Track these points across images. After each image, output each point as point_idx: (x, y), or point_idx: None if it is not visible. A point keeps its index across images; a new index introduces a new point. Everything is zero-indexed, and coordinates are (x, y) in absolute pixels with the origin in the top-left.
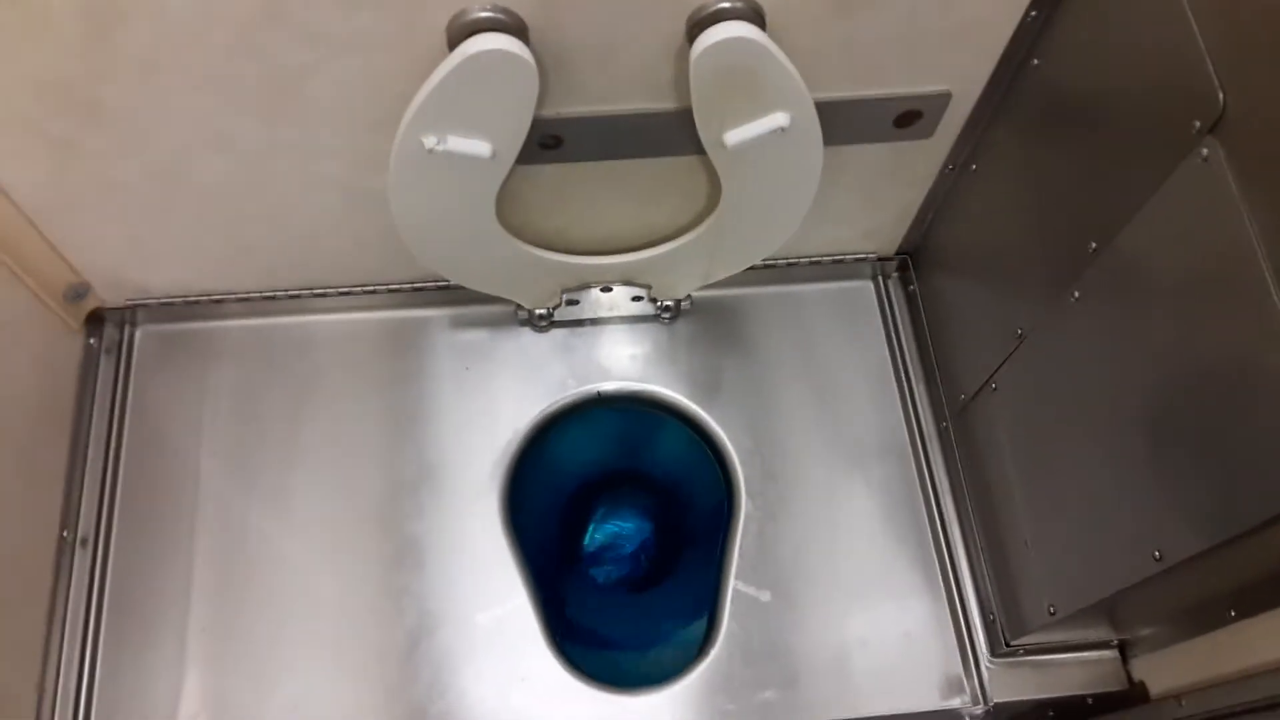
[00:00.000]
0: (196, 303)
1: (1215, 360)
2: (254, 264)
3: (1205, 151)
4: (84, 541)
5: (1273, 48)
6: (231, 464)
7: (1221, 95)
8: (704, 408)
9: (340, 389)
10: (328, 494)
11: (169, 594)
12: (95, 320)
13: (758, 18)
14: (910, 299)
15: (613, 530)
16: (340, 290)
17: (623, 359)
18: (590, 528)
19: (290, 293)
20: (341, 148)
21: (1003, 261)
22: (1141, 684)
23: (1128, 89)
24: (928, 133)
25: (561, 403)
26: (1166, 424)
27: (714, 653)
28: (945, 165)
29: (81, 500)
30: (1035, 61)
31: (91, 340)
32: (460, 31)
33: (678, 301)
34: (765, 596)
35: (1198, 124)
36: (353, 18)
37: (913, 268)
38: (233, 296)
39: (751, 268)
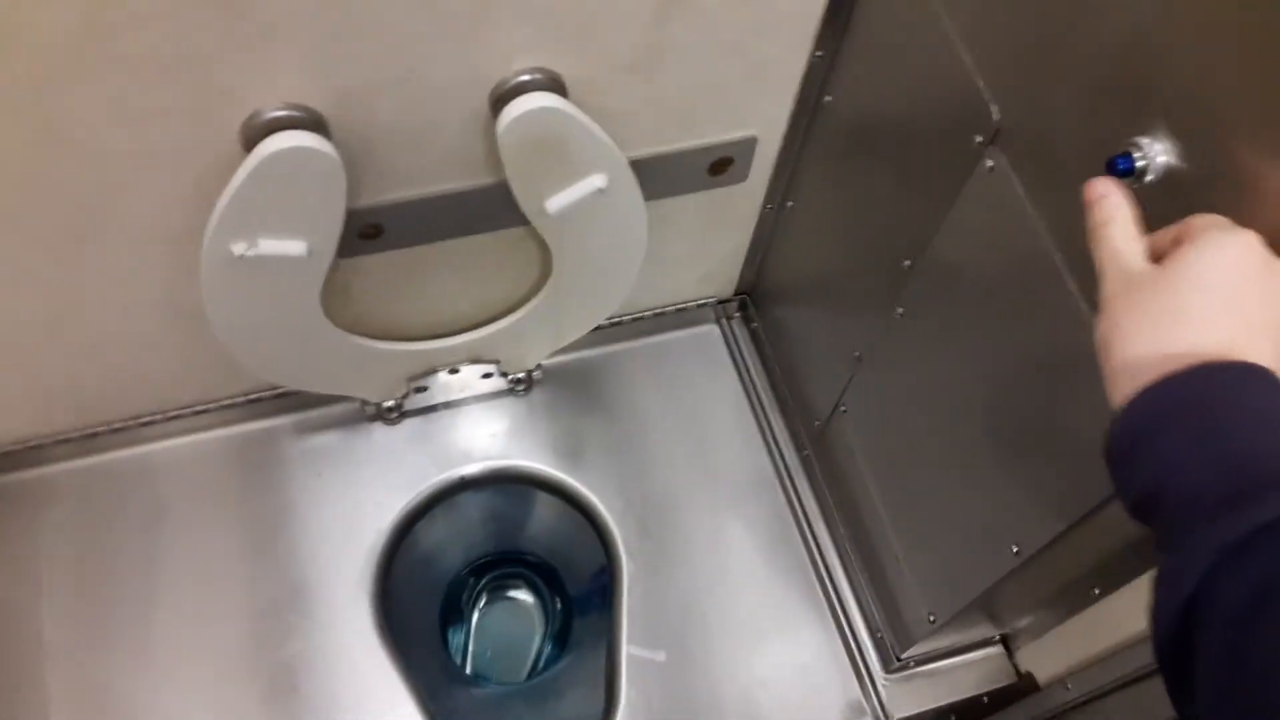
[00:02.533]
0: (12, 453)
1: (1032, 353)
2: (71, 402)
3: (990, 163)
4: None
5: (1029, 60)
6: (80, 616)
7: (995, 109)
8: (571, 475)
9: (188, 518)
10: (191, 631)
11: None
12: None
13: (558, 86)
14: (754, 336)
15: (499, 649)
16: (168, 415)
17: (482, 438)
18: (470, 640)
19: (115, 425)
20: (150, 267)
21: (832, 288)
22: (1029, 674)
23: (913, 113)
24: (742, 177)
25: (424, 493)
26: (1002, 421)
27: None
28: (764, 205)
29: None
30: (828, 98)
31: None
32: (256, 132)
33: (529, 372)
34: (660, 656)
35: (979, 138)
36: (140, 133)
37: (752, 305)
38: (51, 440)
39: (597, 327)
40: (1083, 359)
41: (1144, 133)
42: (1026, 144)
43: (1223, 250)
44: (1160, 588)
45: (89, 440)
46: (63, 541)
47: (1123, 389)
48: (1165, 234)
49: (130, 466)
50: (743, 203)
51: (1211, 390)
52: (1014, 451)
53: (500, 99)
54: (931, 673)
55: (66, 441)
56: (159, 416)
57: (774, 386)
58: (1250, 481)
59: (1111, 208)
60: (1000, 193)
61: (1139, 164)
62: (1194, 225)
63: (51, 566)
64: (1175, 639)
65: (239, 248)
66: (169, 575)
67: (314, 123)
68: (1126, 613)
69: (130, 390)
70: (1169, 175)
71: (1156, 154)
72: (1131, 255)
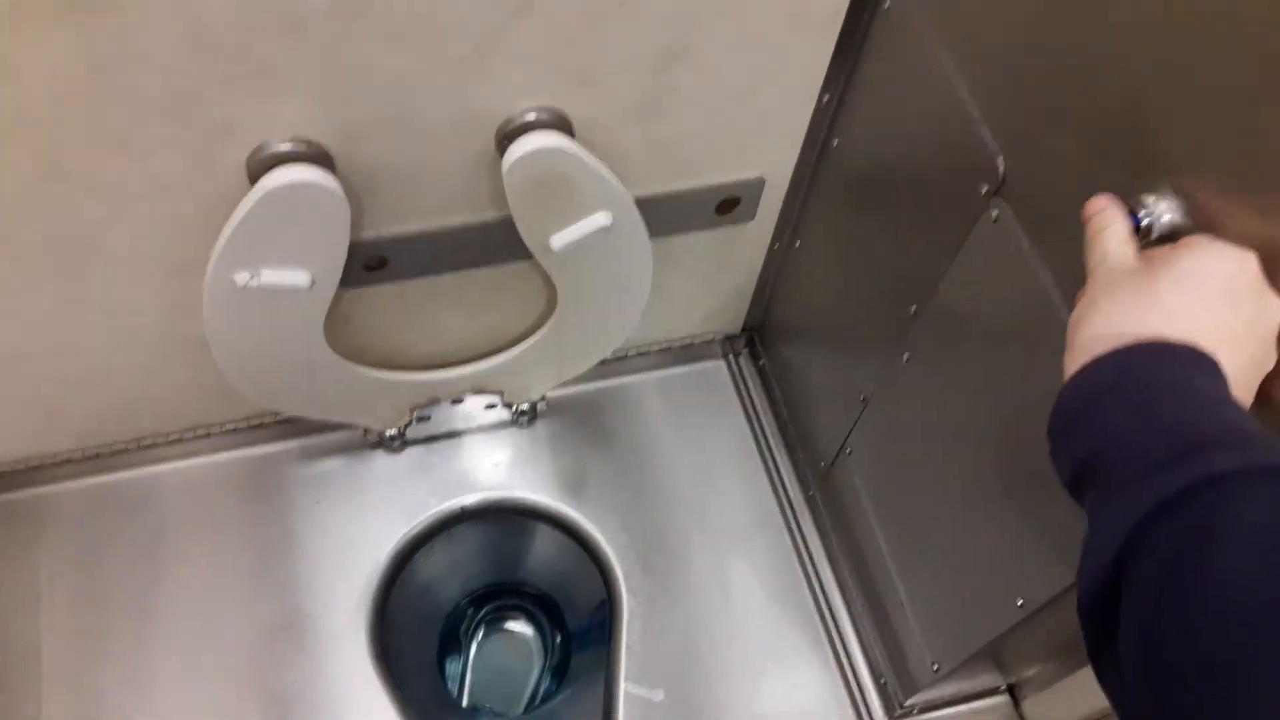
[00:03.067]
0: (13, 472)
1: (1037, 402)
2: (77, 425)
3: (995, 212)
4: None
5: (1035, 113)
6: (77, 636)
7: (1000, 159)
8: (573, 508)
9: (187, 541)
10: (187, 656)
11: None
12: None
13: (564, 125)
14: (761, 373)
15: (496, 682)
16: (170, 439)
17: (484, 469)
18: (468, 671)
19: (117, 447)
20: (150, 297)
21: (838, 329)
22: None
23: (919, 160)
24: (749, 216)
25: (424, 523)
26: (1008, 469)
27: None
28: (772, 245)
29: None
30: (835, 142)
31: None
32: (261, 166)
33: (533, 404)
34: (658, 696)
35: (985, 187)
36: (144, 164)
37: (759, 342)
38: (58, 460)
39: (604, 361)
40: None
41: (1149, 190)
42: (1032, 195)
43: (1214, 258)
44: (1091, 541)
45: (90, 461)
46: (62, 562)
47: (1076, 362)
48: (1164, 247)
49: (131, 489)
50: (750, 242)
51: (1155, 366)
52: (1020, 500)
53: (506, 137)
54: None
55: (67, 462)
56: (161, 440)
57: (780, 424)
58: (1185, 445)
59: (1109, 218)
60: (1005, 242)
61: (1144, 221)
62: (1195, 237)
63: (50, 586)
64: (1103, 591)
65: (242, 278)
66: (166, 598)
67: (319, 157)
68: None
69: (132, 413)
70: (1174, 233)
71: (1161, 212)
72: (1122, 256)
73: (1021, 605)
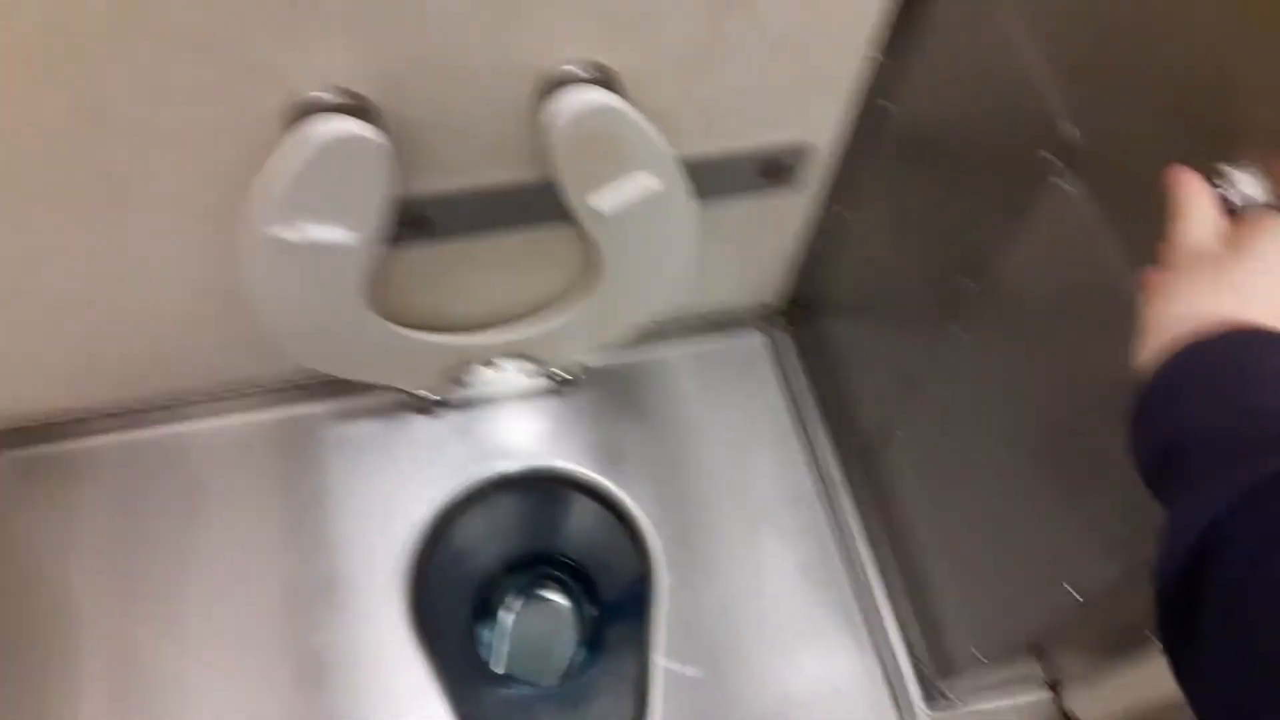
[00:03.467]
0: (54, 424)
1: (1098, 385)
2: (113, 376)
3: (1062, 184)
4: None
5: (1110, 80)
6: (114, 589)
7: (1070, 125)
8: (609, 478)
9: (224, 498)
10: (222, 612)
11: None
12: None
13: (612, 81)
14: (802, 347)
15: (531, 651)
16: (210, 395)
17: (522, 436)
18: (502, 640)
19: (157, 402)
20: (189, 247)
21: (887, 303)
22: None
23: (982, 128)
24: (794, 182)
25: (461, 489)
26: (1065, 454)
27: None
28: (818, 213)
29: None
30: (890, 106)
31: None
32: (301, 116)
33: (571, 372)
34: (693, 672)
35: (1052, 158)
36: (183, 109)
37: (802, 315)
38: (95, 413)
39: (642, 330)
40: None
41: (1231, 162)
42: (1103, 167)
43: None
44: (1172, 528)
45: (128, 416)
46: (99, 514)
47: (1152, 342)
48: (1245, 225)
49: (169, 444)
50: (794, 209)
51: (1237, 352)
52: (1076, 487)
53: (553, 93)
54: (972, 712)
55: (107, 416)
56: (201, 396)
57: (821, 400)
58: (1270, 432)
59: (1191, 192)
60: (1071, 216)
61: (1225, 195)
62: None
63: (88, 538)
64: (1183, 579)
65: (283, 233)
66: (202, 554)
67: (363, 109)
68: None
69: (172, 368)
70: (1257, 209)
71: (1244, 186)
72: (1203, 235)
73: (1075, 595)
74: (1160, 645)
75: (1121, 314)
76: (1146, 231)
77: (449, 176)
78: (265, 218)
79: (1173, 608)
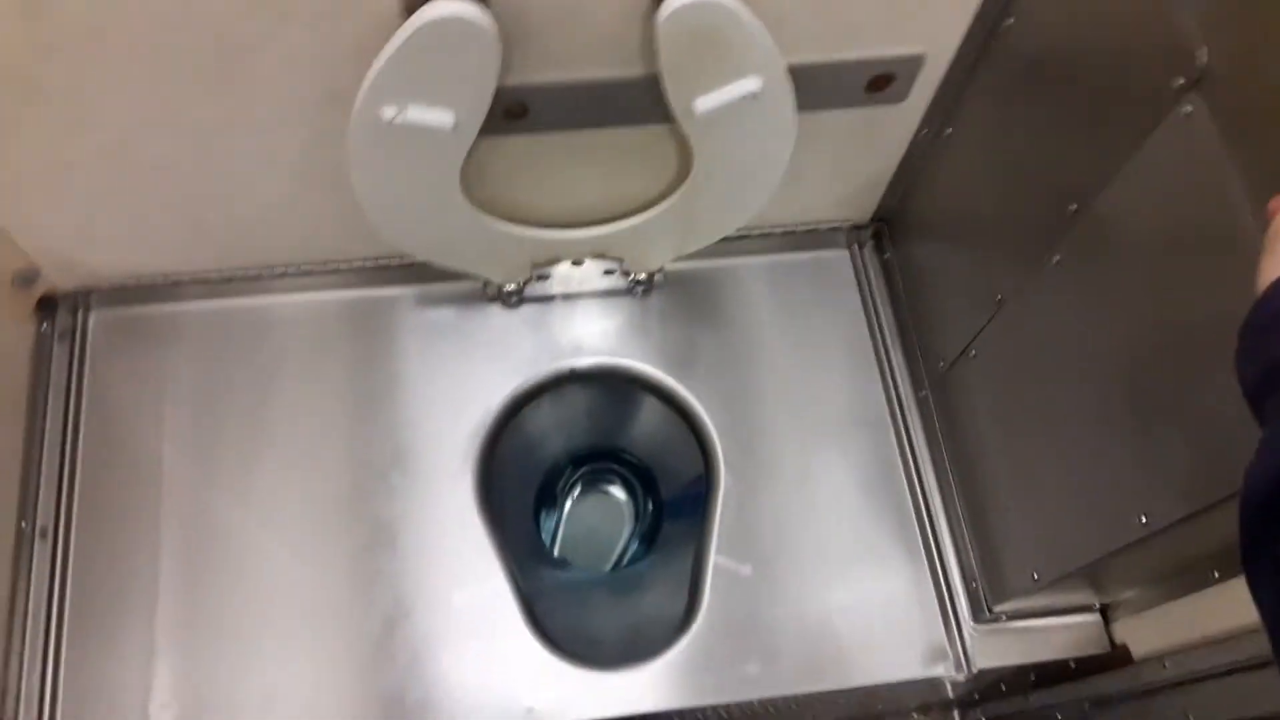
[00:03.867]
0: (151, 286)
1: (1199, 321)
2: (210, 244)
3: (1188, 108)
4: (43, 532)
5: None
6: (194, 450)
7: (1203, 49)
8: (680, 382)
9: (304, 371)
10: (296, 479)
11: (135, 583)
12: (47, 306)
13: None
14: (886, 267)
15: (587, 539)
16: (302, 269)
17: (595, 334)
18: (561, 526)
19: (250, 273)
20: (296, 121)
21: (980, 226)
22: (1124, 647)
23: (1105, 47)
24: (901, 97)
25: (534, 380)
26: (1149, 387)
27: (695, 628)
28: (919, 130)
29: (39, 490)
30: (1010, 20)
31: (44, 326)
32: (420, 3)
33: (650, 275)
34: (746, 570)
35: (1180, 80)
36: None
37: (888, 235)
38: (189, 278)
39: (724, 239)
40: None
41: None
42: (1234, 92)
43: None
44: (1269, 442)
45: (225, 284)
46: (186, 376)
47: (1272, 262)
48: None
49: (257, 315)
50: (897, 125)
51: None
52: (1158, 420)
53: None
54: (1022, 630)
55: (203, 282)
56: (291, 269)
57: (899, 321)
58: None
59: None
60: (1194, 143)
61: None
62: None
63: (175, 397)
64: (1272, 492)
65: (389, 112)
66: (280, 423)
67: None
68: (1246, 600)
69: (267, 239)
70: None
71: None
72: None
73: (1144, 523)
74: (1240, 557)
75: (1237, 246)
76: (1273, 166)
77: (553, 67)
78: (373, 97)
79: (1257, 522)
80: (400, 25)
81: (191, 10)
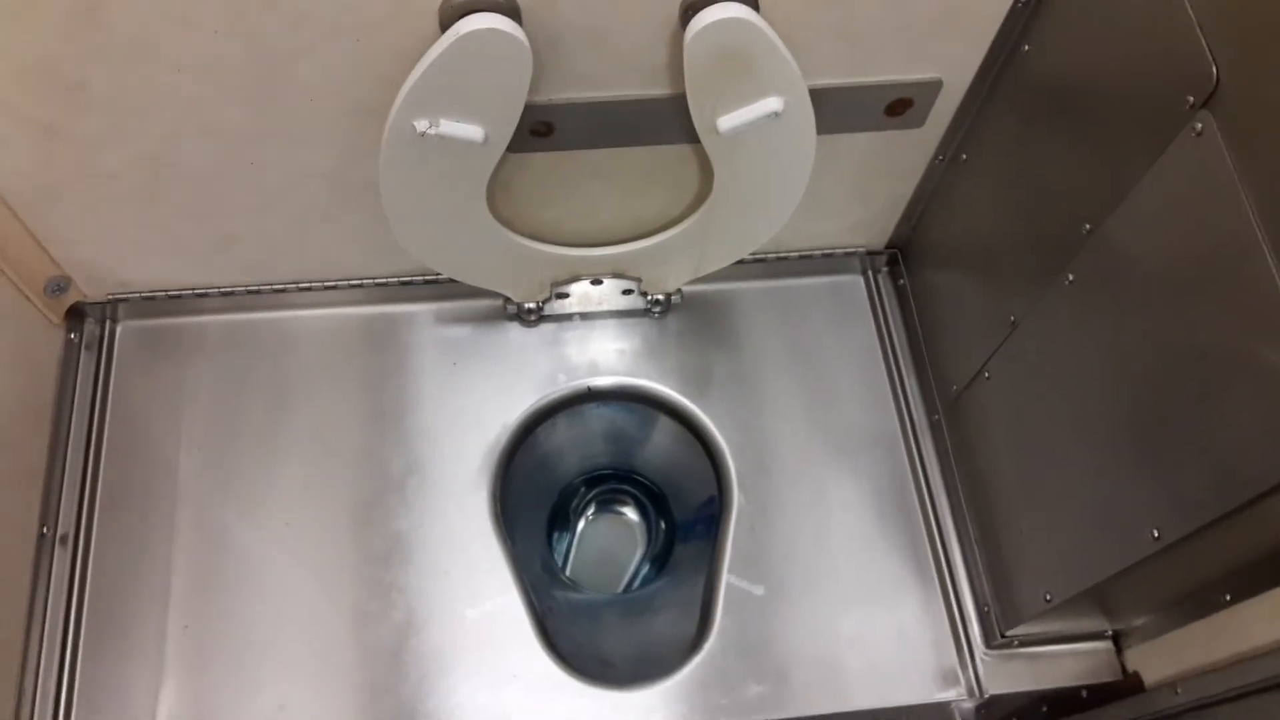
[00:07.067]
0: (178, 297)
1: (1212, 340)
2: (238, 257)
3: (1199, 126)
4: (64, 539)
5: (1267, 17)
6: (213, 461)
7: (1215, 68)
8: (695, 402)
9: (323, 386)
10: (311, 491)
11: (150, 592)
12: (76, 315)
13: (755, 2)
14: (900, 293)
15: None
16: (326, 284)
17: (613, 353)
18: (571, 548)
19: (275, 287)
20: (330, 135)
21: (994, 249)
22: (1136, 674)
23: (1119, 68)
24: (918, 122)
25: (551, 398)
26: (1162, 404)
27: (707, 647)
28: (935, 156)
29: (61, 497)
30: (1026, 47)
31: (72, 335)
32: (453, 12)
33: (668, 295)
34: (758, 590)
35: (1191, 99)
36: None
37: (903, 261)
38: (215, 291)
39: (740, 262)
40: (1273, 353)
41: None
42: (1246, 111)
43: None
44: None
45: (249, 297)
46: (206, 388)
47: None
48: None
49: (278, 329)
50: (914, 150)
51: None
52: (1169, 437)
53: (691, 6)
54: (1033, 655)
55: (229, 295)
56: (315, 284)
57: (913, 346)
58: None
59: None
60: (1206, 161)
61: None
62: None
63: (195, 409)
64: None
65: (422, 125)
66: (297, 436)
67: (509, 8)
68: (1258, 622)
69: (292, 254)
70: None
71: None
72: None
73: (1157, 538)
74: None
75: (1249, 267)
76: None
77: (580, 86)
78: (408, 108)
79: None
80: (435, 40)
81: (243, 20)
